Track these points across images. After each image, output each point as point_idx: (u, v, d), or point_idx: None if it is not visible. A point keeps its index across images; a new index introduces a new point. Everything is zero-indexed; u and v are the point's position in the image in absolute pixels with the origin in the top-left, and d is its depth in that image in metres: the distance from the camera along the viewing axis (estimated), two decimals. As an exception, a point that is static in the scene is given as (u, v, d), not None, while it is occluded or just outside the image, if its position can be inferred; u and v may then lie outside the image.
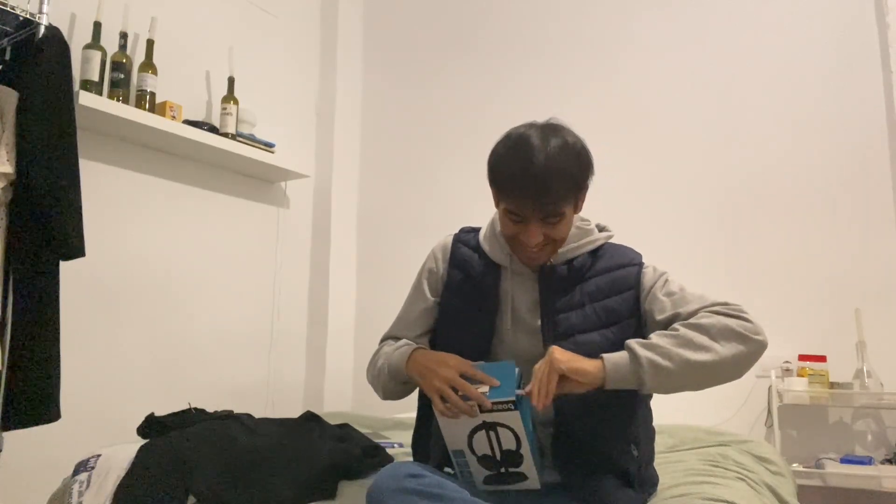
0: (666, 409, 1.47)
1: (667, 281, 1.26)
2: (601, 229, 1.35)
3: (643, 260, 1.31)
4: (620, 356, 1.11)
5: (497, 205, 1.26)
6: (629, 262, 1.29)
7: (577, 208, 1.25)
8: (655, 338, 1.13)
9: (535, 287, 1.28)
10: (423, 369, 1.19)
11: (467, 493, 1.05)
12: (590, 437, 1.20)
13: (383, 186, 3.19)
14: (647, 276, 1.27)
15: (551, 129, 1.19)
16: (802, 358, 2.17)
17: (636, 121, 2.63)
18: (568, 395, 1.11)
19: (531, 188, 1.14)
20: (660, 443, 1.86)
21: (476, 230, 1.39)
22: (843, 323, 2.18)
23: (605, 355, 1.12)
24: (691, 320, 1.15)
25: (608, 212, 2.16)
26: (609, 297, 1.25)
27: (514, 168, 1.16)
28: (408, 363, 1.23)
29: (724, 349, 1.10)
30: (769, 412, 2.19)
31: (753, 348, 1.12)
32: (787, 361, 2.19)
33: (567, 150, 1.16)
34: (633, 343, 1.12)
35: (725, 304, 1.18)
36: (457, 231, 1.43)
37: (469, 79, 3.01)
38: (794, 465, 2.06)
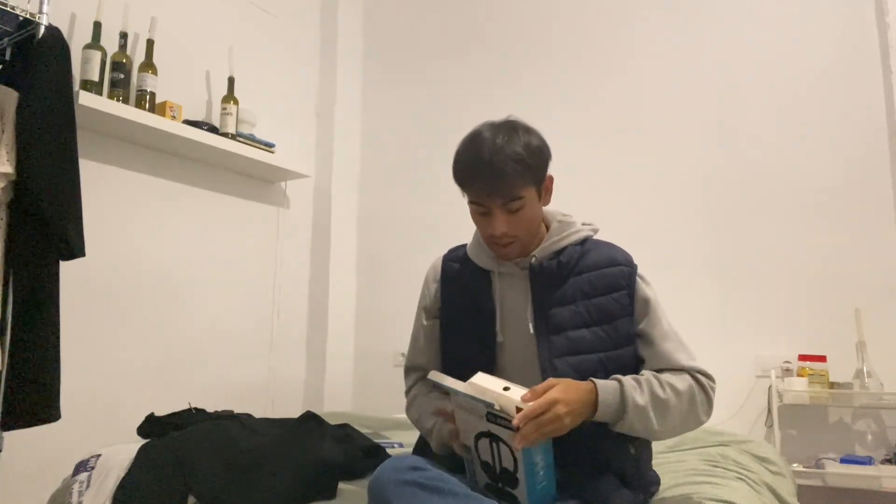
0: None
1: (659, 316, 1.27)
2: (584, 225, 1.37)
3: (634, 262, 1.32)
4: (611, 404, 1.13)
5: (469, 205, 1.30)
6: (622, 262, 1.29)
7: (542, 199, 1.28)
8: (642, 397, 1.15)
9: (526, 286, 1.29)
10: None
11: (468, 487, 1.05)
12: (588, 437, 1.19)
13: (383, 186, 3.19)
14: (641, 290, 1.28)
15: (505, 124, 1.26)
16: (802, 358, 2.18)
17: (636, 121, 2.62)
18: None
19: (485, 172, 1.20)
20: (660, 443, 1.87)
21: (462, 246, 1.43)
22: (843, 323, 2.18)
23: (600, 399, 1.12)
24: (679, 386, 1.18)
25: (610, 212, 2.17)
26: (601, 295, 1.26)
27: (469, 158, 1.23)
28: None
29: (677, 429, 1.21)
30: (769, 412, 2.19)
31: (694, 428, 1.24)
32: (787, 361, 2.20)
33: (517, 137, 1.22)
34: (630, 393, 1.14)
35: (708, 376, 1.23)
36: (445, 252, 1.46)
37: (469, 79, 3.01)
38: (794, 465, 2.06)
